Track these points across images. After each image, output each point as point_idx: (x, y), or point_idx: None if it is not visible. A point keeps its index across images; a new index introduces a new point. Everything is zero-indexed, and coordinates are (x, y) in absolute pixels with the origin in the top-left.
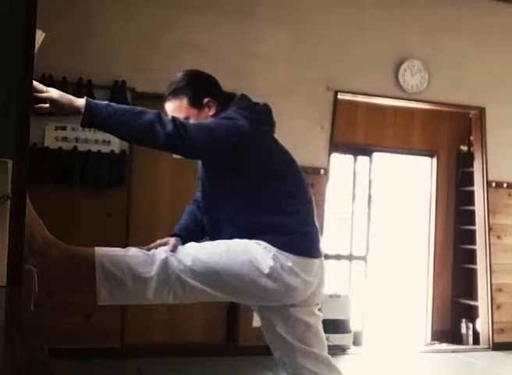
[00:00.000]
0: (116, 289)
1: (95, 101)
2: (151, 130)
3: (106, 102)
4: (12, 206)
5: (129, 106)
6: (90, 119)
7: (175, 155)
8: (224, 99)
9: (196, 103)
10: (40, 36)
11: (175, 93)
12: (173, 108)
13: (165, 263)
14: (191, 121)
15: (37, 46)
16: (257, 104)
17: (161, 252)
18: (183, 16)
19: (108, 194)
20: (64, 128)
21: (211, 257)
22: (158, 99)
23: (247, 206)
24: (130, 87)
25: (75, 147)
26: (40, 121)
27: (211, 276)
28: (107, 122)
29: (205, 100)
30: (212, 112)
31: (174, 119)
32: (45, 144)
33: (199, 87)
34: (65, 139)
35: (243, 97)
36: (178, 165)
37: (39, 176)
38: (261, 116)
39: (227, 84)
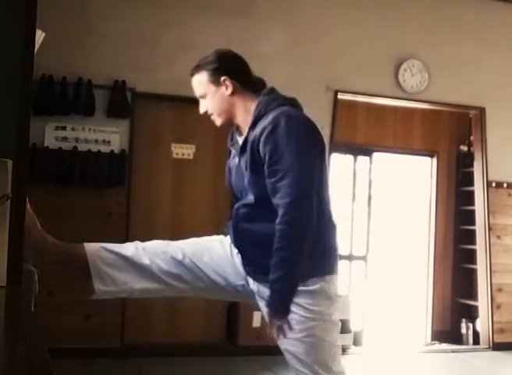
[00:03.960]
0: (110, 285)
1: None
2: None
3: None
4: (12, 206)
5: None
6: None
7: (175, 156)
8: (248, 82)
9: (214, 80)
10: (40, 36)
11: (198, 68)
12: (195, 82)
13: (159, 271)
14: (209, 100)
15: (36, 46)
16: (293, 99)
17: (158, 259)
18: (183, 16)
19: (108, 194)
20: (64, 128)
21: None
22: (158, 99)
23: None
24: (130, 87)
25: (75, 147)
26: (40, 121)
27: (199, 280)
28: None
29: (222, 78)
30: (229, 91)
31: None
32: (45, 144)
33: (220, 64)
34: (65, 139)
35: (273, 91)
36: (178, 165)
37: (39, 176)
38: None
39: None
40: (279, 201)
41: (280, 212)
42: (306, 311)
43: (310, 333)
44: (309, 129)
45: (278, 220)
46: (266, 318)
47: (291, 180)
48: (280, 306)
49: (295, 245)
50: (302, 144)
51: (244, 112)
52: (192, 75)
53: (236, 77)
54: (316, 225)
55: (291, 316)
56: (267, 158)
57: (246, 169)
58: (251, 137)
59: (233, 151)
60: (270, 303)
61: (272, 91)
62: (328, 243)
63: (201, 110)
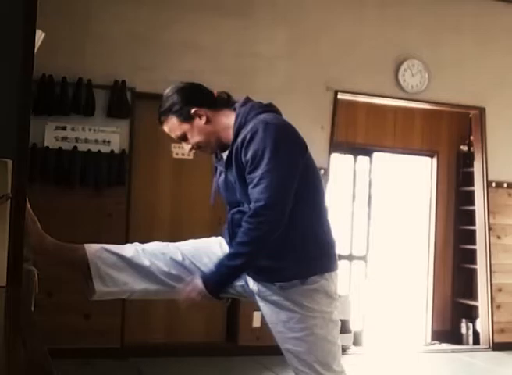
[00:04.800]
0: (110, 286)
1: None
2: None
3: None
4: (12, 206)
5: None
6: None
7: (175, 156)
8: (215, 102)
9: (185, 117)
10: (40, 36)
11: (163, 115)
12: (168, 129)
13: (158, 272)
14: (189, 137)
15: (36, 46)
16: (270, 105)
17: (157, 260)
18: (182, 16)
19: (108, 194)
20: (64, 128)
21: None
22: (158, 99)
23: None
24: (130, 87)
25: (75, 147)
26: (40, 121)
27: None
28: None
29: (192, 111)
30: (204, 120)
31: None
32: (45, 144)
33: (183, 100)
34: (65, 139)
35: (249, 100)
36: (178, 165)
37: (39, 176)
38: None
39: (227, 84)
40: (252, 205)
41: (250, 211)
42: (307, 309)
43: (311, 331)
44: (287, 134)
45: (245, 217)
46: (187, 283)
47: (265, 185)
48: (215, 286)
49: (254, 246)
50: (278, 151)
51: (226, 130)
52: (161, 124)
53: (202, 104)
54: (310, 223)
55: (292, 315)
56: (247, 166)
57: (235, 182)
58: (234, 149)
59: (219, 168)
60: (208, 278)
61: (248, 100)
62: (324, 240)
63: (187, 149)
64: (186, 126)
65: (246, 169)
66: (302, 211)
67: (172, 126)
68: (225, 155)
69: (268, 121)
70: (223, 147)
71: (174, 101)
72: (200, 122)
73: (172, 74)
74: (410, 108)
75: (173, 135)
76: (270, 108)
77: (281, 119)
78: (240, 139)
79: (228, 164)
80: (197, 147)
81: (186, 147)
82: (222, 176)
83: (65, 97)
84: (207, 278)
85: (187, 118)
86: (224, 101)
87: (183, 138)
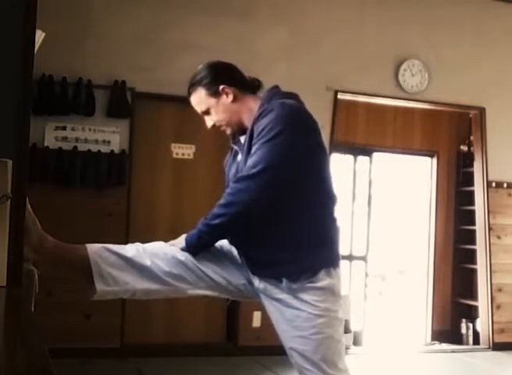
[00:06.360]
0: (111, 285)
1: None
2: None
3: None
4: (12, 206)
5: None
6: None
7: (175, 156)
8: (245, 85)
9: (212, 92)
10: (40, 36)
11: (193, 86)
12: (195, 100)
13: (160, 272)
14: (213, 113)
15: (36, 46)
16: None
17: (158, 260)
18: (183, 16)
19: (108, 194)
20: (64, 128)
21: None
22: (158, 99)
23: None
24: (130, 87)
25: (75, 147)
26: (40, 121)
27: (200, 280)
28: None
29: (220, 87)
30: (230, 98)
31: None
32: (45, 144)
33: (213, 75)
34: (65, 139)
35: (277, 87)
36: (178, 164)
37: (39, 176)
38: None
39: None
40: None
41: (240, 175)
42: (313, 308)
43: (318, 330)
44: (300, 117)
45: (234, 182)
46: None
47: (258, 158)
48: (192, 243)
49: (229, 209)
50: (285, 131)
51: (250, 112)
52: (189, 95)
53: (232, 83)
54: (315, 215)
55: (298, 314)
56: (255, 138)
57: (245, 163)
58: (251, 125)
59: (235, 148)
60: (189, 234)
61: (276, 87)
62: (328, 234)
63: (209, 124)
64: (212, 101)
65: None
66: (309, 202)
67: (200, 98)
68: (242, 138)
69: (286, 103)
70: (243, 130)
71: (205, 75)
72: (226, 99)
73: (173, 74)
74: (410, 108)
75: (198, 109)
76: (294, 96)
77: (301, 105)
78: (258, 113)
79: (244, 144)
80: (218, 125)
81: (209, 123)
82: (238, 157)
83: (65, 97)
84: (188, 234)
85: (215, 93)
86: (255, 87)
87: (207, 113)
